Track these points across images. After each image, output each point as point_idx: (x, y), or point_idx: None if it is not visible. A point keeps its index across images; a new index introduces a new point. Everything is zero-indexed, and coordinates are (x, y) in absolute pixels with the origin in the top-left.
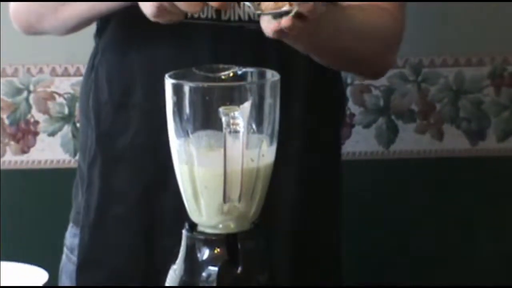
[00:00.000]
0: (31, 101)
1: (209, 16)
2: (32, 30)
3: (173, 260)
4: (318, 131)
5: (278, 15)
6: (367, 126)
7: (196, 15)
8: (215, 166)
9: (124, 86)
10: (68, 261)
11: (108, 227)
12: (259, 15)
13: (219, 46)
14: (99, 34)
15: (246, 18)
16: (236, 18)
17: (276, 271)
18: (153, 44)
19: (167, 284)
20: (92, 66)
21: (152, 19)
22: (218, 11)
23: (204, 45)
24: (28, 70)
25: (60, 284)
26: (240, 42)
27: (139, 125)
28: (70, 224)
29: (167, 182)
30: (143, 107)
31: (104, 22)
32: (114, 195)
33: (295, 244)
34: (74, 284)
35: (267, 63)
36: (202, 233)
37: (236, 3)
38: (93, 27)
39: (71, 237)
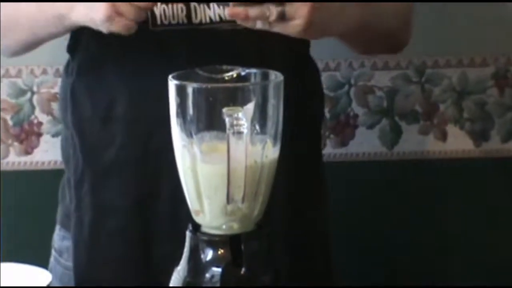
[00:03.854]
0: (34, 102)
1: (180, 21)
2: None
3: (176, 263)
4: (297, 126)
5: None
6: (370, 127)
7: (166, 22)
8: (219, 167)
9: (106, 100)
10: (57, 264)
11: (104, 242)
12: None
13: (194, 50)
14: (71, 50)
15: (217, 19)
16: (208, 20)
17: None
18: (129, 55)
19: (171, 285)
20: (67, 85)
21: (104, 26)
22: (188, 15)
23: (179, 50)
24: (32, 71)
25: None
26: (214, 43)
27: (125, 136)
28: (58, 227)
29: (159, 190)
30: (127, 118)
31: (75, 39)
32: (107, 209)
33: (285, 239)
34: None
35: (243, 62)
36: (205, 234)
37: (205, 6)
38: None
39: (60, 240)
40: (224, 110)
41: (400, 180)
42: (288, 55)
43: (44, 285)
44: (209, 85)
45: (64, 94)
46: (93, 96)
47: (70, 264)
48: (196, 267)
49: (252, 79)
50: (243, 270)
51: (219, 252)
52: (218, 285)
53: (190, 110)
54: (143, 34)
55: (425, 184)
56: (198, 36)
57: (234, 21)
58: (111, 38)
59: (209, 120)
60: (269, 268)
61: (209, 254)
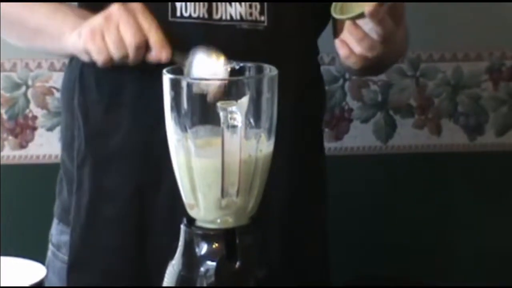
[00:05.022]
0: (29, 96)
1: (201, 15)
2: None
3: (170, 256)
4: (306, 124)
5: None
6: (365, 121)
7: (187, 14)
8: (213, 160)
9: (114, 85)
10: (55, 258)
11: (99, 228)
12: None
13: (210, 44)
14: None
15: (238, 17)
16: (228, 17)
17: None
18: None
19: (165, 280)
20: (76, 65)
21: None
22: (209, 11)
23: (195, 44)
24: (27, 65)
25: (47, 281)
26: (231, 40)
27: (130, 124)
28: (55, 221)
29: (160, 181)
30: (134, 106)
31: None
32: (105, 196)
33: (284, 236)
34: (62, 281)
35: (257, 61)
36: (200, 228)
37: (227, 3)
38: None
39: (57, 234)
40: (219, 104)
41: (394, 174)
42: (299, 58)
43: (39, 279)
44: (203, 79)
45: (72, 77)
46: (101, 81)
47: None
48: (191, 261)
49: (247, 73)
50: (237, 264)
51: (214, 246)
52: (212, 279)
53: (185, 104)
54: (161, 23)
55: (420, 178)
56: (216, 31)
57: (253, 21)
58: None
59: (203, 114)
60: (263, 262)
61: (203, 248)
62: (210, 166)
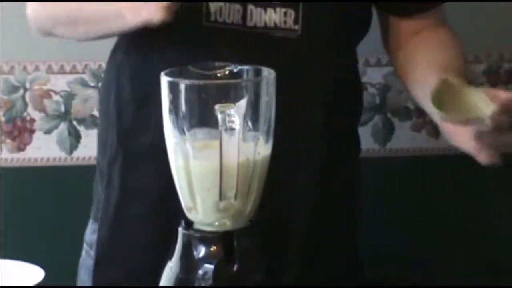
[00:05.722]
0: (27, 98)
1: (235, 21)
2: (48, 34)
3: (169, 257)
4: (338, 133)
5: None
6: (363, 123)
7: (221, 19)
8: (211, 163)
9: (147, 86)
10: (88, 257)
11: (126, 225)
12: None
13: (242, 50)
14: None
15: (272, 25)
16: (262, 24)
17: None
18: (177, 46)
19: (162, 282)
20: (114, 65)
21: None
22: (243, 17)
23: (227, 49)
24: (24, 67)
25: (79, 279)
26: (264, 47)
27: (160, 124)
28: (90, 221)
29: None
30: None
31: None
32: (133, 194)
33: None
34: (92, 279)
35: (288, 70)
36: (198, 230)
37: (262, 10)
38: None
39: (91, 233)
40: (217, 106)
41: (392, 176)
42: (333, 68)
43: (37, 281)
44: (202, 82)
45: (109, 77)
46: (135, 80)
47: None
48: (189, 263)
49: (245, 76)
50: (235, 267)
51: (212, 249)
52: (210, 282)
53: (183, 107)
54: (195, 27)
55: (418, 181)
56: (249, 38)
57: (287, 29)
58: (162, 28)
59: (201, 117)
60: (261, 265)
61: (201, 251)
62: (208, 168)
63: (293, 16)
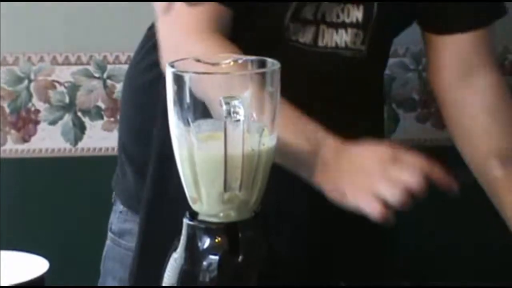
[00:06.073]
0: (31, 89)
1: (307, 41)
2: None
3: (173, 248)
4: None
5: None
6: None
7: (295, 38)
8: (216, 155)
9: None
10: (117, 246)
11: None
12: None
13: (314, 69)
14: None
15: (343, 45)
16: (333, 44)
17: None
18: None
19: (167, 273)
20: (150, 66)
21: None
22: (315, 38)
23: (299, 67)
24: (29, 58)
25: (104, 269)
26: (333, 66)
27: None
28: (117, 209)
29: None
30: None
31: None
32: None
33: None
34: (125, 268)
35: (349, 83)
36: (202, 222)
37: (334, 30)
38: (93, 16)
39: (120, 222)
40: (221, 98)
41: None
42: (381, 81)
43: (41, 272)
44: (207, 73)
45: (147, 77)
46: None
47: (132, 245)
48: (193, 255)
49: (249, 67)
50: (240, 258)
51: (216, 240)
52: (215, 273)
53: (187, 98)
54: (271, 43)
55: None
56: (319, 57)
57: (355, 49)
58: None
59: (206, 108)
60: (266, 256)
61: (206, 242)
62: (213, 160)
63: (361, 37)
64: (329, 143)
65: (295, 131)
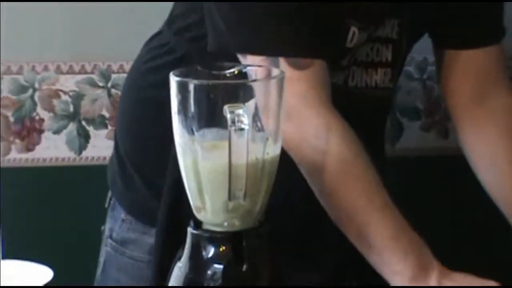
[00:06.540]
0: (36, 98)
1: (338, 81)
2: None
3: (177, 257)
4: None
5: None
6: None
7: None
8: (220, 163)
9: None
10: (120, 255)
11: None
12: None
13: (344, 108)
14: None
15: (373, 85)
16: (363, 84)
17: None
18: None
19: (171, 282)
20: (162, 67)
21: None
22: (345, 79)
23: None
24: (33, 67)
25: (104, 276)
26: (363, 104)
27: None
28: (122, 216)
29: None
30: None
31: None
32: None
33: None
34: (130, 278)
35: (374, 116)
36: (207, 231)
37: (364, 71)
38: (98, 25)
39: (124, 231)
40: (226, 107)
41: (402, 176)
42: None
43: (45, 282)
44: (211, 82)
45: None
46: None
47: (137, 254)
48: (198, 264)
49: (254, 76)
50: (244, 267)
51: (221, 249)
52: (219, 282)
53: (192, 107)
54: None
55: (427, 180)
56: (349, 96)
57: (385, 88)
58: None
59: (210, 117)
60: (270, 265)
61: (210, 251)
62: (217, 169)
63: (389, 75)
64: (437, 267)
65: (406, 249)
